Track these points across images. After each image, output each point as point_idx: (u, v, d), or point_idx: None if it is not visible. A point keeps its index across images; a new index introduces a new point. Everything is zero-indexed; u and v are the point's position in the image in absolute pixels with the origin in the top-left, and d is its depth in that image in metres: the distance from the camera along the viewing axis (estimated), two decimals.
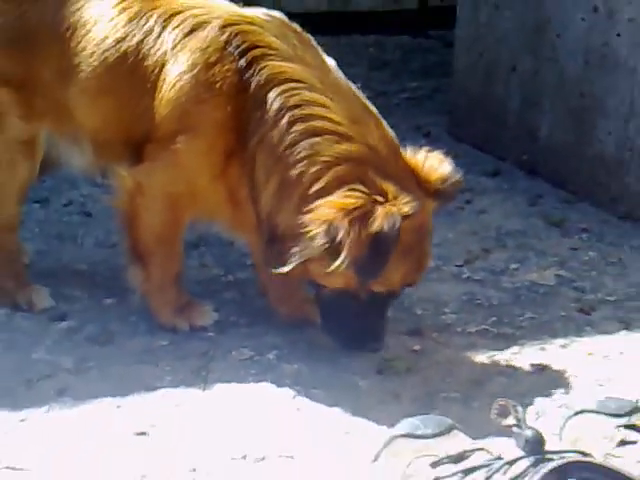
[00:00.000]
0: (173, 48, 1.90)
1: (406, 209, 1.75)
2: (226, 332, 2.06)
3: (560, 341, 2.07)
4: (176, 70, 1.89)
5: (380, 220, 1.71)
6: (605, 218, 2.77)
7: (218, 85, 1.88)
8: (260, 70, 1.86)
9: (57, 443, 1.64)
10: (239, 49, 1.87)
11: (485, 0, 3.31)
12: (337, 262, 1.72)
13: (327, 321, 1.94)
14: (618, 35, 2.74)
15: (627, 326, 2.14)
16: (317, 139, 1.81)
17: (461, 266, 2.44)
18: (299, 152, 1.81)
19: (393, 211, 1.73)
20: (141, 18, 1.94)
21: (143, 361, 1.94)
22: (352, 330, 1.90)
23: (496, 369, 1.95)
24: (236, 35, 1.88)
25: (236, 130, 1.89)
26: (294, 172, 1.82)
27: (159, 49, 1.92)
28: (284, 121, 1.83)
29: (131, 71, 1.94)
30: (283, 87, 1.85)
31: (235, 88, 1.87)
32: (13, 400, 1.77)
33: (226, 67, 1.87)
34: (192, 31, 1.91)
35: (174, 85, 1.89)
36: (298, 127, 1.82)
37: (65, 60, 1.97)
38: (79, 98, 1.99)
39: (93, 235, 2.59)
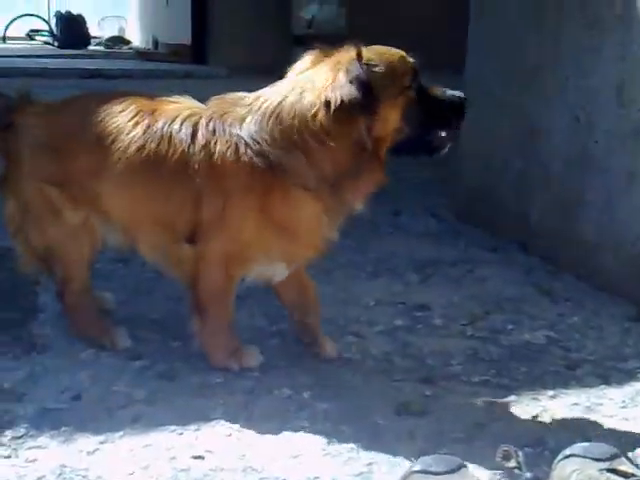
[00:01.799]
0: (188, 147, 1.90)
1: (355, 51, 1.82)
2: (269, 373, 2.01)
3: (550, 392, 1.99)
4: (196, 163, 1.89)
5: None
6: (586, 289, 2.70)
7: (224, 155, 1.88)
8: (234, 125, 1.89)
9: (129, 463, 1.59)
10: (221, 125, 1.89)
11: (484, 108, 3.31)
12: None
13: (423, 145, 1.92)
14: (596, 142, 2.72)
15: (605, 381, 2.06)
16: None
17: (466, 325, 2.38)
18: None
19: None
20: (152, 128, 1.94)
21: (201, 395, 1.89)
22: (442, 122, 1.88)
23: (496, 415, 1.87)
24: (217, 119, 1.91)
25: (254, 172, 1.87)
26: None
27: (175, 151, 1.92)
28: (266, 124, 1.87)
29: (156, 171, 1.94)
30: (255, 117, 1.88)
31: (234, 148, 1.88)
32: (96, 425, 1.73)
33: (222, 141, 1.88)
34: (194, 131, 1.91)
35: (198, 173, 1.89)
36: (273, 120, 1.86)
37: (95, 164, 1.98)
38: (110, 193, 2.00)
39: (163, 290, 2.57)
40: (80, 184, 2.01)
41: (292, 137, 1.84)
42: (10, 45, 11.27)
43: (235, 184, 1.89)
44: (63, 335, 2.18)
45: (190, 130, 1.91)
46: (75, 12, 11.59)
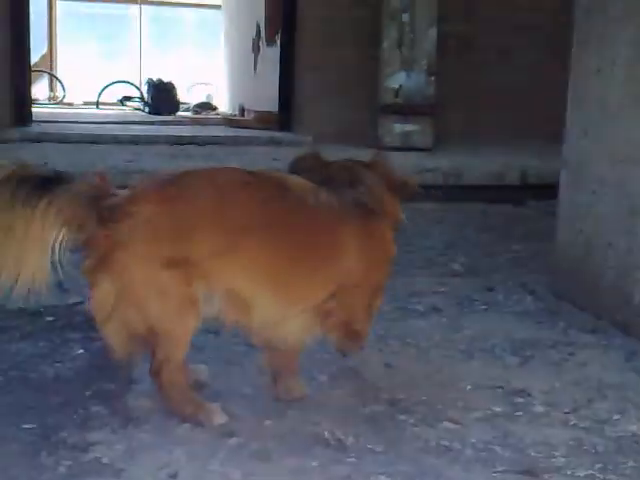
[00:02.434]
0: (338, 214, 2.14)
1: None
2: (364, 459, 1.99)
3: None
4: (348, 226, 2.16)
5: None
6: None
7: (370, 216, 2.20)
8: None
9: None
10: (355, 193, 2.19)
11: (584, 186, 3.28)
12: None
13: None
14: None
15: None
16: None
17: (568, 413, 2.31)
18: None
19: None
20: (293, 201, 2.12)
21: (296, 478, 1.89)
22: None
23: None
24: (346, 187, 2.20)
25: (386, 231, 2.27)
26: None
27: (324, 219, 2.13)
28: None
29: (303, 240, 2.13)
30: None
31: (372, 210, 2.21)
32: None
33: (364, 205, 2.18)
34: (338, 199, 2.14)
35: (352, 235, 2.17)
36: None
37: (227, 243, 2.06)
38: (241, 269, 2.09)
39: (256, 363, 2.60)
40: (202, 263, 2.05)
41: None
42: (102, 111, 11.89)
43: (378, 240, 2.24)
44: (158, 408, 2.23)
45: (335, 198, 2.13)
46: (166, 79, 12.18)
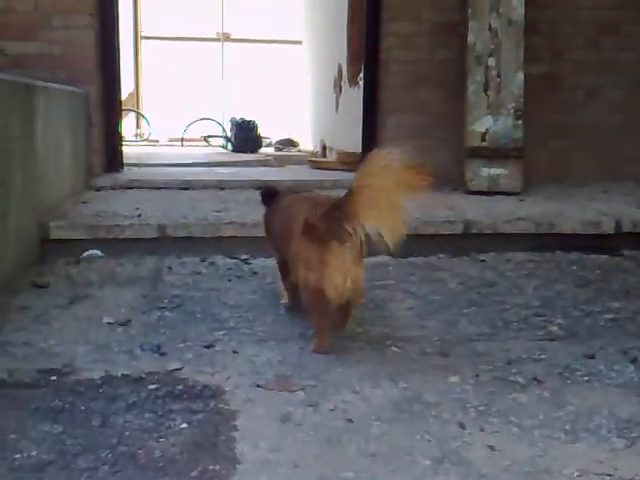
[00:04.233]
0: None
1: None
2: None
3: None
4: None
5: None
6: None
7: None
8: None
9: None
10: None
11: None
12: None
13: None
14: None
15: None
16: None
17: None
18: None
19: None
20: None
21: None
22: None
23: None
24: None
25: None
26: None
27: None
28: None
29: None
30: None
31: None
32: None
33: None
34: None
35: None
36: None
37: None
38: None
39: (356, 442, 2.59)
40: None
41: None
42: (187, 150, 12.25)
43: None
44: None
45: None
46: (248, 118, 12.46)
